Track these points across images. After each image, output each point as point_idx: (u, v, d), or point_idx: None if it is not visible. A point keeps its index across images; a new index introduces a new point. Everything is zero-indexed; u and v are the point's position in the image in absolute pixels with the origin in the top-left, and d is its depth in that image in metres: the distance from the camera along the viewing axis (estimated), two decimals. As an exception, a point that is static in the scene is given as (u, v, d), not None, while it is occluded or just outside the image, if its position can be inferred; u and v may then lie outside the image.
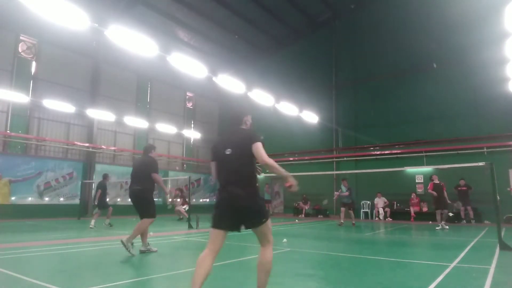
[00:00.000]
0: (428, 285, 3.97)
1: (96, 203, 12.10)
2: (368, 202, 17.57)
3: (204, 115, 24.77)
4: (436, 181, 11.96)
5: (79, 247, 7.08)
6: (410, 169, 16.45)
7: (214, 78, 15.62)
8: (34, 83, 16.38)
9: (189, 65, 13.25)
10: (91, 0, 14.47)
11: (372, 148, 18.65)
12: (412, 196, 16.37)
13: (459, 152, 15.63)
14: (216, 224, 3.14)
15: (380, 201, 16.82)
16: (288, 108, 18.29)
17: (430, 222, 14.10)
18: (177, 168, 22.67)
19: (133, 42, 10.76)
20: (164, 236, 9.21)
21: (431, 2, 17.24)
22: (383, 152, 18.14)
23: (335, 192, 13.61)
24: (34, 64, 16.54)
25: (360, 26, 19.84)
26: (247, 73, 22.32)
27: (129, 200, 6.61)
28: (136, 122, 19.20)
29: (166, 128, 20.65)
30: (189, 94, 23.94)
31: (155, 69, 20.41)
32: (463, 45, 16.24)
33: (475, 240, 8.56)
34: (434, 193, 11.77)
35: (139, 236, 6.24)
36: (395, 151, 17.63)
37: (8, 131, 15.32)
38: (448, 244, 8.36)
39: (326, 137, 20.05)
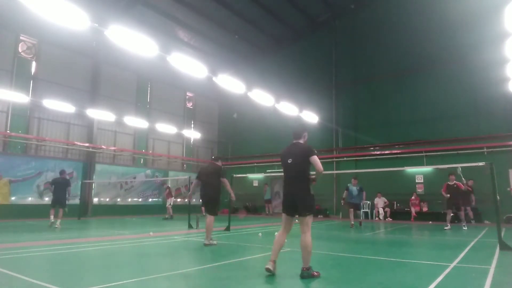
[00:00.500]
0: (428, 285, 3.96)
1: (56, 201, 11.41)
2: (368, 202, 17.54)
3: (204, 115, 24.76)
4: (451, 182, 11.50)
5: (79, 247, 7.08)
6: (410, 169, 16.47)
7: (214, 78, 15.59)
8: (34, 83, 16.38)
9: (189, 65, 13.24)
10: (91, 0, 14.46)
11: (372, 148, 18.65)
12: (412, 196, 16.37)
13: (459, 152, 15.63)
14: (284, 210, 4.57)
15: (380, 201, 16.82)
16: (288, 108, 18.28)
17: (430, 222, 14.10)
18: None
19: (133, 42, 10.75)
20: (164, 236, 9.21)
21: (431, 2, 17.24)
22: (383, 152, 18.14)
23: (342, 196, 12.82)
24: (34, 64, 16.55)
25: (360, 26, 19.84)
26: (247, 73, 22.31)
27: (200, 200, 7.89)
28: (136, 122, 19.20)
29: (166, 128, 20.64)
30: (189, 94, 23.94)
31: (155, 69, 20.40)
32: (463, 45, 16.25)
33: (475, 240, 8.57)
34: (446, 195, 11.54)
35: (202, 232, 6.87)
36: (395, 151, 17.63)
37: (8, 131, 15.32)
38: (448, 244, 8.36)
39: (326, 137, 20.04)
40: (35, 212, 14.96)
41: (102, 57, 18.40)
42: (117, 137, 19.32)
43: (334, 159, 19.57)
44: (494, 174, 7.28)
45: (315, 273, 4.34)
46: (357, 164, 18.83)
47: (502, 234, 7.47)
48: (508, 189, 14.09)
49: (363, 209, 17.60)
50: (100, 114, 17.40)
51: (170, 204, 16.50)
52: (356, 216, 12.98)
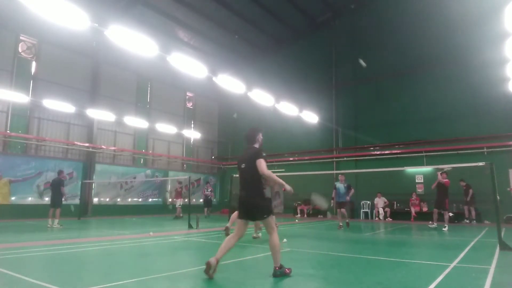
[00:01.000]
0: (428, 285, 3.96)
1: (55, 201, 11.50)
2: (368, 202, 17.56)
3: (204, 115, 24.77)
4: (441, 180, 11.33)
5: (79, 247, 7.08)
6: (410, 169, 16.47)
7: (214, 78, 15.58)
8: (34, 83, 16.38)
9: (189, 65, 13.23)
10: (91, 0, 14.46)
11: (372, 148, 18.65)
12: (412, 196, 16.37)
13: (459, 152, 15.63)
14: (240, 216, 4.48)
15: (380, 201, 16.82)
16: (288, 108, 18.28)
17: (430, 222, 14.08)
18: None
19: (133, 42, 10.75)
20: (164, 236, 9.21)
21: (431, 2, 17.24)
22: (383, 152, 18.14)
23: (332, 196, 12.06)
24: (34, 64, 16.55)
25: (360, 26, 19.83)
26: (247, 73, 22.31)
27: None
28: (136, 122, 19.20)
29: (166, 128, 20.64)
30: (189, 94, 23.94)
31: (155, 69, 20.41)
32: (463, 45, 16.25)
33: (475, 240, 8.57)
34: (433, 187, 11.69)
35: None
36: (395, 151, 17.63)
37: (8, 131, 15.32)
38: (448, 244, 8.36)
39: (326, 137, 20.05)
40: (35, 212, 14.96)
41: (102, 57, 18.40)
42: (117, 137, 19.32)
43: (334, 159, 19.56)
44: (494, 174, 7.28)
45: (287, 271, 4.35)
46: (357, 164, 18.83)
47: (502, 234, 7.47)
48: (508, 189, 14.10)
49: (363, 209, 17.64)
50: (100, 114, 17.40)
51: (179, 205, 16.56)
52: (343, 216, 11.91)
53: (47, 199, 15.81)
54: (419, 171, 16.66)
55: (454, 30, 16.49)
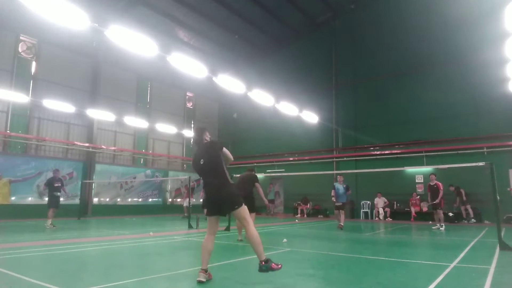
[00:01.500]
0: (428, 285, 3.96)
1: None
2: (368, 202, 17.57)
3: (204, 115, 24.77)
4: (432, 183, 11.77)
5: (79, 247, 7.08)
6: (410, 169, 16.47)
7: (214, 78, 15.56)
8: (34, 83, 16.38)
9: (189, 65, 13.22)
10: (91, 0, 14.47)
11: (372, 148, 18.65)
12: (412, 196, 16.37)
13: (459, 152, 15.63)
14: (208, 213, 4.30)
15: (380, 201, 16.82)
16: (288, 108, 18.27)
17: (430, 222, 14.09)
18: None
19: (133, 42, 10.73)
20: (164, 236, 9.21)
21: (431, 2, 17.24)
22: (383, 152, 18.14)
23: (332, 196, 11.77)
24: (34, 64, 16.55)
25: (360, 26, 19.84)
26: (247, 73, 22.32)
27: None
28: (136, 122, 19.20)
29: (166, 128, 20.64)
30: (189, 94, 23.94)
31: (155, 69, 20.41)
32: (463, 45, 16.25)
33: (475, 240, 8.57)
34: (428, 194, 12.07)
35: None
36: (395, 151, 17.63)
37: (8, 131, 15.32)
38: (448, 244, 8.36)
39: (326, 137, 20.04)
40: (35, 212, 14.95)
41: (102, 57, 18.40)
42: (117, 137, 19.33)
43: (334, 159, 19.56)
44: (494, 174, 7.28)
45: (274, 265, 3.99)
46: (357, 164, 18.83)
47: (502, 234, 7.47)
48: (508, 189, 14.10)
49: (363, 209, 17.64)
50: (100, 114, 17.40)
51: (186, 205, 16.39)
52: (341, 218, 11.46)
53: (46, 199, 15.84)
54: (419, 171, 16.66)
55: (454, 30, 16.49)
